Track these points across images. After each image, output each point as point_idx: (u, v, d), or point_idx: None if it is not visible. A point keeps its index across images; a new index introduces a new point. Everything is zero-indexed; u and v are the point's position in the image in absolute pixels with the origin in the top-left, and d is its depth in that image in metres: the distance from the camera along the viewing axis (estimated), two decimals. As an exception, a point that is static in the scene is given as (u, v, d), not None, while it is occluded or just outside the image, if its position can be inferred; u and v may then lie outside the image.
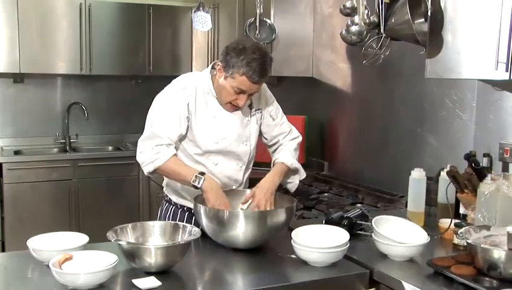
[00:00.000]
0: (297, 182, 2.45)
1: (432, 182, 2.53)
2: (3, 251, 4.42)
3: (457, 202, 2.45)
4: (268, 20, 3.58)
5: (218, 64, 2.22)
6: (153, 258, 1.74)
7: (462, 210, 2.46)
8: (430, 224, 2.38)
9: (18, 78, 4.95)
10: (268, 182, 2.27)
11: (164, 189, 2.43)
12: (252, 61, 2.11)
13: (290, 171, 2.40)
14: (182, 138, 2.28)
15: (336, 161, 3.71)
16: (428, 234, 2.24)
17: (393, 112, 3.15)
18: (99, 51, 4.87)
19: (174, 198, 2.39)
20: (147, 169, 2.21)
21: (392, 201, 2.92)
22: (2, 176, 4.39)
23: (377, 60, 2.55)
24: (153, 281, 1.70)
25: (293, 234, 1.95)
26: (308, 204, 2.90)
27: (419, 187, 2.41)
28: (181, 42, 5.16)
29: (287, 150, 2.44)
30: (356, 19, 2.55)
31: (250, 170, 2.45)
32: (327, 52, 3.73)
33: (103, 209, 4.56)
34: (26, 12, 4.60)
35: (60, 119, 5.11)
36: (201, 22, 4.03)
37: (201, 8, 3.84)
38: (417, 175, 2.40)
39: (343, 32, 2.62)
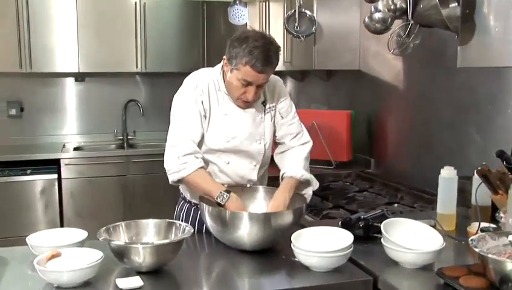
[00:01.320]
0: (311, 192, 2.27)
1: (469, 181, 2.31)
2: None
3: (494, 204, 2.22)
4: (308, 12, 3.42)
5: (224, 58, 2.13)
6: (141, 257, 1.69)
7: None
8: (462, 228, 2.16)
9: (79, 77, 5.11)
10: (279, 201, 2.10)
11: (180, 186, 2.37)
12: (254, 49, 2.01)
13: (302, 184, 2.23)
14: None
15: (382, 158, 3.50)
16: (456, 239, 2.06)
17: (439, 106, 2.91)
18: (154, 48, 4.93)
19: (188, 195, 2.33)
20: (171, 178, 2.14)
21: (431, 201, 2.69)
22: (60, 171, 4.54)
23: (405, 49, 2.33)
24: (136, 281, 1.64)
25: (294, 236, 1.82)
26: (339, 203, 2.74)
27: (450, 187, 2.20)
28: (234, 37, 5.11)
29: (297, 160, 2.27)
30: (379, 5, 2.34)
31: (265, 168, 2.34)
32: (374, 44, 3.52)
33: (155, 205, 4.59)
34: (85, 13, 4.73)
35: (119, 116, 5.23)
36: (238, 15, 3.95)
37: (237, 2, 3.75)
38: (447, 174, 2.19)
39: (366, 20, 2.42)
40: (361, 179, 3.37)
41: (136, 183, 4.69)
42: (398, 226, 1.86)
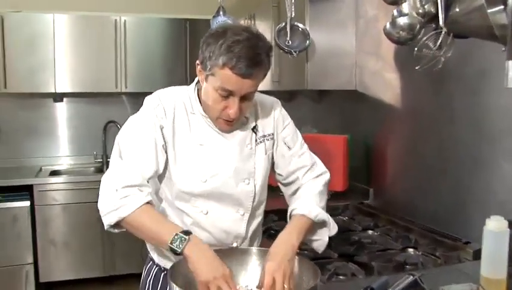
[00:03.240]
0: (327, 239, 1.55)
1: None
2: (36, 273, 3.81)
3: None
4: (300, 25, 2.72)
5: (198, 65, 1.41)
6: None
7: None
8: (515, 296, 1.48)
9: (57, 97, 4.37)
10: (283, 248, 1.38)
11: (146, 243, 1.61)
12: (235, 44, 1.29)
13: (316, 225, 1.51)
14: (160, 177, 1.48)
15: (382, 187, 2.80)
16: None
17: (454, 130, 2.21)
18: (135, 67, 4.21)
19: (156, 257, 1.58)
20: (108, 220, 1.35)
21: (454, 248, 2.00)
22: (33, 197, 3.78)
23: (435, 64, 1.64)
24: None
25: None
26: (345, 251, 2.01)
27: (500, 243, 1.49)
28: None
29: (311, 194, 1.55)
30: (405, 7, 1.62)
31: (259, 220, 1.60)
32: (372, 61, 2.84)
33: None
34: (62, 31, 4.01)
35: (99, 138, 4.48)
36: (222, 28, 3.23)
37: (221, 13, 3.03)
38: (496, 226, 1.48)
39: (388, 26, 1.68)
40: (362, 214, 2.65)
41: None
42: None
